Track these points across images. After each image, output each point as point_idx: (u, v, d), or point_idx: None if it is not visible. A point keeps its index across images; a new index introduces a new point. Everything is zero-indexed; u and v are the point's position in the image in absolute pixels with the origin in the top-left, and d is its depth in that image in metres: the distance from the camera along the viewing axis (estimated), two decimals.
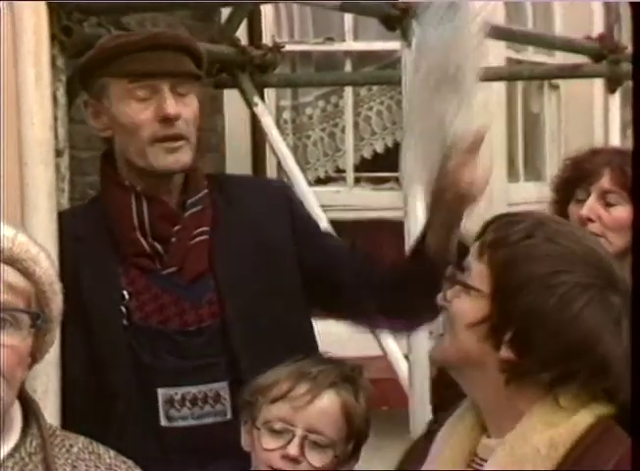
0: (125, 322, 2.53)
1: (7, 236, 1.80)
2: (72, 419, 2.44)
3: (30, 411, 1.83)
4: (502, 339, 1.89)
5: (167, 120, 2.51)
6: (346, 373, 2.38)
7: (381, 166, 6.14)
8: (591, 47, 5.15)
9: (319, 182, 6.12)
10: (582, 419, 1.89)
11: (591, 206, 3.03)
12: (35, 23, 2.85)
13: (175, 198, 2.61)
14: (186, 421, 2.52)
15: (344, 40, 6.17)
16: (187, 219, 2.60)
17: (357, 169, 6.20)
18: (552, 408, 1.91)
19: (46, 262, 1.83)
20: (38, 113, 2.68)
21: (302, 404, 2.30)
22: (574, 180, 3.11)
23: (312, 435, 2.30)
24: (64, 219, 2.69)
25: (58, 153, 3.20)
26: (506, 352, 1.89)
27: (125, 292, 2.54)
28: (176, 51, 2.58)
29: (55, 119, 3.19)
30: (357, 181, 6.18)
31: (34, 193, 2.77)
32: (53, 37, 3.23)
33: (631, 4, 1.81)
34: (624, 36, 5.57)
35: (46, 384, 2.65)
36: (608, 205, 3.04)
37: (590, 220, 3.02)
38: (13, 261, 1.77)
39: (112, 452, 1.90)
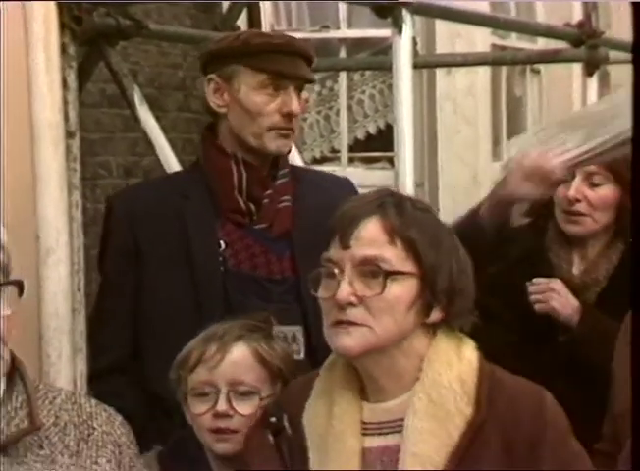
0: (221, 268, 2.70)
1: None
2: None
3: (14, 369, 1.82)
4: (433, 305, 1.91)
5: (289, 115, 2.70)
6: (252, 324, 2.40)
7: (373, 146, 6.17)
8: (570, 33, 5.15)
9: (315, 161, 6.14)
10: (471, 354, 1.95)
11: (578, 187, 3.02)
12: (45, 12, 2.86)
13: (266, 169, 2.78)
14: None
15: (338, 28, 6.19)
16: (276, 187, 2.78)
17: (351, 149, 6.22)
18: (444, 350, 1.93)
19: (3, 230, 1.81)
20: (49, 96, 2.67)
21: (216, 363, 2.30)
22: None
23: (235, 387, 2.30)
24: (172, 181, 3.01)
25: (69, 135, 3.18)
26: (435, 315, 1.92)
27: (222, 242, 2.71)
28: (302, 58, 2.76)
29: (66, 102, 3.18)
30: (351, 160, 6.21)
31: (46, 172, 2.80)
32: (63, 26, 3.23)
33: (632, 4, 1.70)
34: (601, 23, 5.57)
35: (59, 350, 2.76)
36: (593, 186, 3.03)
37: (577, 200, 3.02)
38: None
39: (93, 401, 1.92)
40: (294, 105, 2.71)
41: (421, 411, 1.88)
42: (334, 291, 1.90)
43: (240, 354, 2.33)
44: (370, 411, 1.93)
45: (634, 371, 1.53)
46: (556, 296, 2.95)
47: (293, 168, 2.94)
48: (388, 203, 1.94)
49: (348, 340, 1.89)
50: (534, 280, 2.97)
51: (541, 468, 1.84)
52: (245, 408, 2.29)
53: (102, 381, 2.72)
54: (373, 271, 1.89)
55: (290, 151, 2.86)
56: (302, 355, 2.66)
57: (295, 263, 2.74)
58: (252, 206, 2.75)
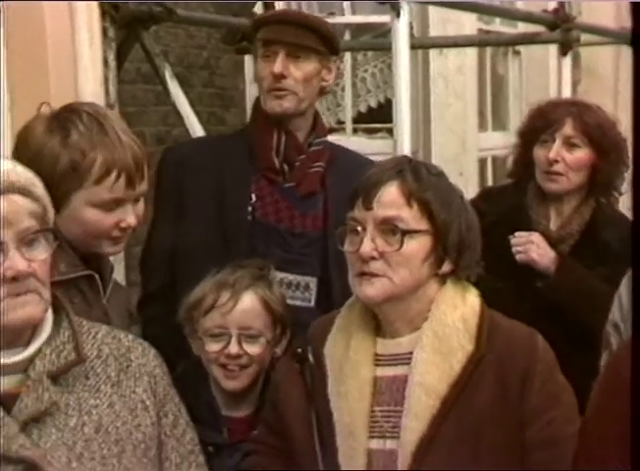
0: (249, 217, 2.67)
1: (10, 169, 1.72)
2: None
3: (60, 308, 1.81)
4: (444, 258, 1.92)
5: (275, 76, 2.65)
6: (257, 274, 2.43)
7: (374, 118, 6.12)
8: (547, 18, 5.14)
9: None
10: (474, 299, 1.97)
11: (557, 149, 3.01)
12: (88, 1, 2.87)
13: (303, 137, 2.76)
14: None
15: (343, 14, 6.12)
16: (310, 153, 2.76)
17: (355, 121, 6.16)
18: (450, 295, 1.95)
19: (40, 184, 1.77)
20: (91, 71, 2.66)
21: (229, 309, 2.34)
22: (541, 127, 3.07)
23: (244, 331, 2.34)
24: (218, 139, 3.08)
25: (110, 106, 3.19)
26: (447, 267, 1.94)
27: (253, 195, 2.69)
28: (298, 27, 2.69)
29: (106, 79, 3.19)
30: (355, 130, 6.15)
31: None
32: (104, 12, 3.23)
33: (631, 4, 1.64)
34: (574, 9, 5.56)
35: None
36: (570, 148, 3.02)
37: (556, 161, 3.01)
38: (21, 189, 1.70)
39: (130, 336, 1.91)
40: (277, 67, 2.65)
41: (428, 346, 1.90)
42: (358, 246, 1.92)
43: (249, 302, 2.37)
44: (383, 345, 1.95)
45: (634, 372, 1.46)
46: (535, 248, 2.95)
47: (331, 143, 2.91)
48: (406, 170, 1.95)
49: (371, 290, 1.91)
50: (516, 233, 2.96)
51: (531, 397, 1.85)
52: (254, 349, 2.35)
53: (146, 307, 2.72)
54: (392, 229, 1.91)
55: (296, 112, 2.73)
56: (313, 303, 2.68)
57: (318, 220, 2.72)
58: (286, 167, 2.72)
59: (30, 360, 1.73)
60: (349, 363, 1.94)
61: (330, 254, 2.61)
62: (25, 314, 1.69)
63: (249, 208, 2.68)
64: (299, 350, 1.99)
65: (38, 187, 1.76)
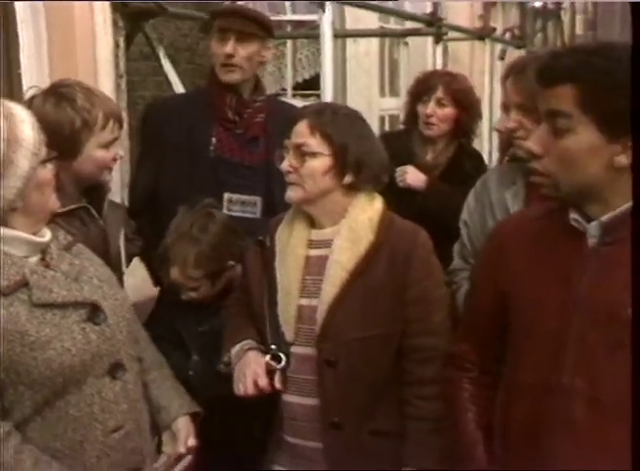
0: (211, 154, 2.56)
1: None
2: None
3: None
4: (345, 173, 1.87)
5: (227, 55, 2.56)
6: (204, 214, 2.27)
7: (308, 87, 6.06)
8: (425, 18, 5.14)
9: None
10: (378, 205, 1.92)
11: (432, 107, 2.99)
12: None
13: (248, 96, 2.64)
14: (236, 213, 2.57)
15: (286, 14, 6.01)
16: (255, 107, 2.64)
17: (294, 88, 6.12)
18: (362, 202, 1.90)
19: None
20: (106, 48, 2.55)
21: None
22: (422, 90, 3.05)
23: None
24: (188, 96, 2.84)
25: (120, 76, 3.11)
26: (348, 179, 1.87)
27: (213, 138, 2.57)
28: (243, 17, 2.57)
29: (117, 57, 3.09)
30: (294, 96, 6.10)
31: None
32: (116, 9, 3.13)
33: (631, 4, 1.46)
34: (443, 12, 5.56)
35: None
36: (441, 106, 3.00)
37: (430, 115, 2.99)
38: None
39: None
40: (228, 48, 2.54)
41: (344, 235, 1.87)
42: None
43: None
44: (314, 233, 1.92)
45: (634, 371, 1.35)
46: (409, 176, 2.93)
47: (270, 98, 2.80)
48: (315, 109, 1.90)
49: (291, 193, 1.89)
50: (397, 168, 2.94)
51: (412, 271, 1.84)
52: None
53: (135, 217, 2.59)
54: (302, 152, 1.86)
55: (244, 81, 2.62)
56: (259, 215, 2.60)
57: (261, 156, 2.61)
58: (237, 118, 2.62)
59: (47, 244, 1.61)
60: (290, 245, 1.92)
61: (272, 179, 2.54)
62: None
63: (211, 147, 2.57)
64: (261, 238, 1.97)
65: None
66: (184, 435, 1.80)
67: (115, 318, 1.61)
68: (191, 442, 1.81)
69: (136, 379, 1.67)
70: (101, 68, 2.91)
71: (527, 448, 1.49)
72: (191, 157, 2.57)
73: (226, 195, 2.57)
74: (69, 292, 1.55)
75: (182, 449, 1.79)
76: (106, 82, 2.84)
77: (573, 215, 1.47)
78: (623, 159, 1.37)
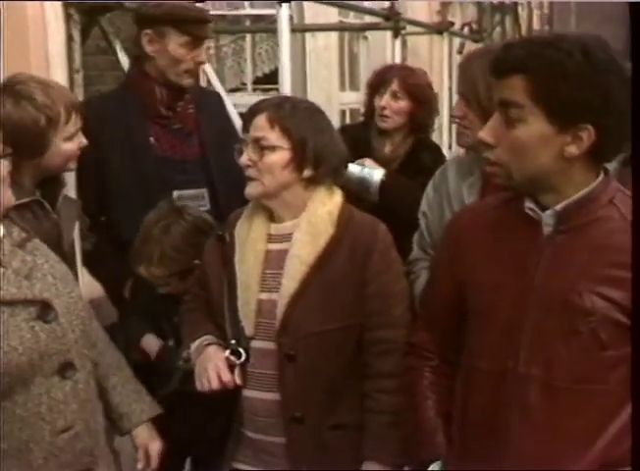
0: (153, 154, 2.50)
1: None
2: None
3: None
4: (304, 167, 1.84)
5: (200, 63, 2.54)
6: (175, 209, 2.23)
7: (268, 81, 6.03)
8: (383, 13, 5.15)
9: (231, 90, 5.95)
10: (337, 198, 1.90)
11: (386, 99, 3.00)
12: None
13: (177, 88, 2.56)
14: None
15: (245, 8, 5.96)
16: (185, 99, 2.58)
17: (254, 83, 6.08)
18: (322, 195, 1.88)
19: None
20: (59, 42, 2.49)
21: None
22: (379, 82, 3.06)
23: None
24: (119, 94, 2.64)
25: (76, 71, 3.01)
26: (307, 173, 1.85)
27: (151, 138, 2.51)
28: (208, 24, 2.55)
29: (73, 51, 3.02)
30: (254, 90, 6.06)
31: None
32: (71, 2, 3.06)
33: (631, 4, 1.44)
34: (402, 7, 5.60)
35: None
36: (395, 99, 3.00)
37: (385, 108, 3.00)
38: None
39: None
40: (203, 57, 2.55)
41: (303, 229, 1.85)
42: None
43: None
44: (274, 227, 1.90)
45: (634, 371, 1.37)
46: (367, 165, 2.92)
47: (196, 87, 2.72)
48: (274, 103, 1.87)
49: (250, 189, 1.87)
50: (355, 161, 2.93)
51: (371, 265, 1.83)
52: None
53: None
54: (260, 146, 1.84)
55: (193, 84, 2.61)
56: (208, 207, 2.55)
57: (199, 149, 2.56)
58: (171, 113, 2.55)
59: None
60: (250, 240, 1.89)
61: (211, 171, 2.52)
62: None
63: (151, 148, 2.50)
64: (220, 233, 1.95)
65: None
66: (143, 446, 1.81)
67: (68, 316, 1.58)
68: (154, 448, 1.81)
69: (88, 378, 1.65)
70: (54, 62, 2.85)
71: (484, 434, 1.52)
72: (134, 159, 2.49)
73: (175, 193, 2.50)
74: (18, 290, 1.52)
75: (139, 467, 1.81)
76: (59, 77, 2.77)
77: (529, 204, 1.49)
78: (573, 149, 1.40)
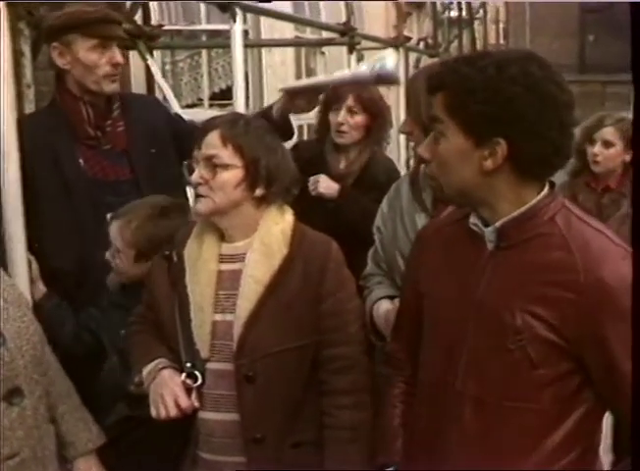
0: (84, 178, 2.40)
1: None
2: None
3: None
4: (256, 186, 1.83)
5: (116, 64, 2.41)
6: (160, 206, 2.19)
7: (224, 97, 6.03)
8: (339, 28, 5.18)
9: (188, 106, 5.95)
10: (289, 217, 1.89)
11: (343, 115, 3.00)
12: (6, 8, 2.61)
13: (103, 105, 2.47)
14: None
15: (201, 23, 5.95)
16: (114, 117, 2.48)
17: (211, 98, 6.07)
18: (273, 214, 1.87)
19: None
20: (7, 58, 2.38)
21: None
22: (332, 99, 3.04)
23: None
24: (38, 118, 2.53)
25: (27, 86, 2.97)
26: (259, 191, 1.83)
27: (81, 161, 2.41)
28: (116, 24, 2.45)
29: (24, 66, 2.96)
30: (211, 105, 6.06)
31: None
32: (20, 18, 3.00)
33: (631, 4, 1.39)
34: (358, 22, 5.63)
35: None
36: (352, 114, 3.00)
37: (342, 124, 2.99)
38: None
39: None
40: (119, 57, 2.42)
41: (257, 249, 1.83)
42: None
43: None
44: (225, 247, 1.87)
45: (634, 370, 1.30)
46: (321, 184, 2.91)
47: (121, 98, 2.54)
48: (227, 120, 1.85)
49: (199, 206, 1.84)
50: (310, 178, 2.91)
51: (325, 284, 1.82)
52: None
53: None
54: (213, 164, 1.81)
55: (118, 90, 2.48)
56: None
57: (129, 169, 2.46)
58: (99, 133, 2.44)
59: None
60: (201, 260, 1.86)
61: (144, 191, 2.41)
62: None
63: (81, 171, 2.40)
64: (167, 253, 1.91)
65: None
66: None
67: (18, 341, 1.54)
68: None
69: (37, 404, 1.60)
70: (1, 78, 2.78)
71: (428, 446, 1.53)
72: (64, 183, 2.39)
73: (109, 216, 2.39)
74: None
75: None
76: (7, 93, 2.70)
77: (473, 219, 1.51)
78: (489, 164, 1.40)
